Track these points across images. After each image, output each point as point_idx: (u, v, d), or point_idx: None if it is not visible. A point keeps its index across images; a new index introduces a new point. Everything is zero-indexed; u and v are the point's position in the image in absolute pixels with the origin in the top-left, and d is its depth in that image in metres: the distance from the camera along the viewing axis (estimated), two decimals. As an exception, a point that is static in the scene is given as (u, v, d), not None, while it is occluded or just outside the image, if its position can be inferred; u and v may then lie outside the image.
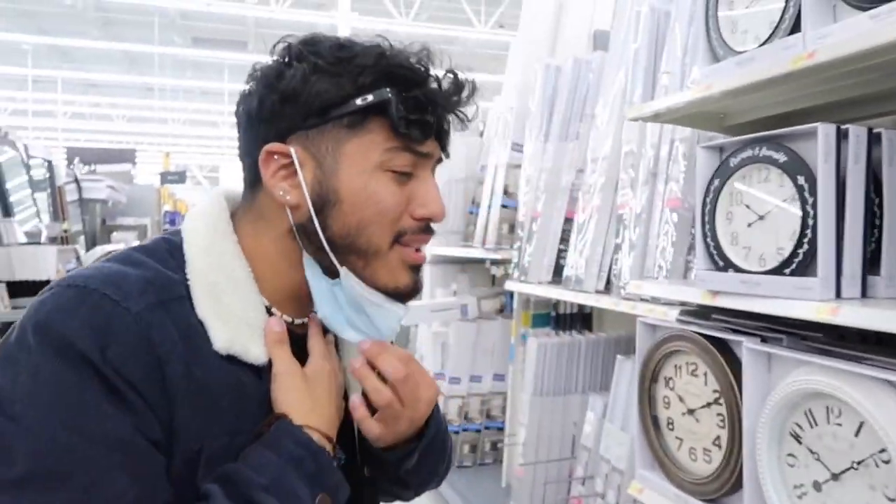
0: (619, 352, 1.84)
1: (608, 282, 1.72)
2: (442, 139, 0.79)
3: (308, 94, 0.72)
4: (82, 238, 4.38)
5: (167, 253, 0.75)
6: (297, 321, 0.81)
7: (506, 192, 2.34)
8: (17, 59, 12.11)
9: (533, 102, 2.19)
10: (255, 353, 0.73)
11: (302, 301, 0.80)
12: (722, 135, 1.39)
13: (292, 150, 0.74)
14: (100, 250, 4.02)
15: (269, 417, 0.73)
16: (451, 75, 0.78)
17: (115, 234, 5.00)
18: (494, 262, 2.46)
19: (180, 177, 7.77)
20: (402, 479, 0.87)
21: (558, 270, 1.98)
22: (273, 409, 0.74)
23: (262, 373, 0.74)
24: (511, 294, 2.46)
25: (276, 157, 0.75)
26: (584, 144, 1.96)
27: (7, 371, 0.63)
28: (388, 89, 0.73)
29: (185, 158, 17.75)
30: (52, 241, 3.50)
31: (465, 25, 10.19)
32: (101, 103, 15.50)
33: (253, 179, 0.78)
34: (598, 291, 1.73)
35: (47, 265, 2.78)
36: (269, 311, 0.78)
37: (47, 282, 2.76)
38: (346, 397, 0.83)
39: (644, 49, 1.67)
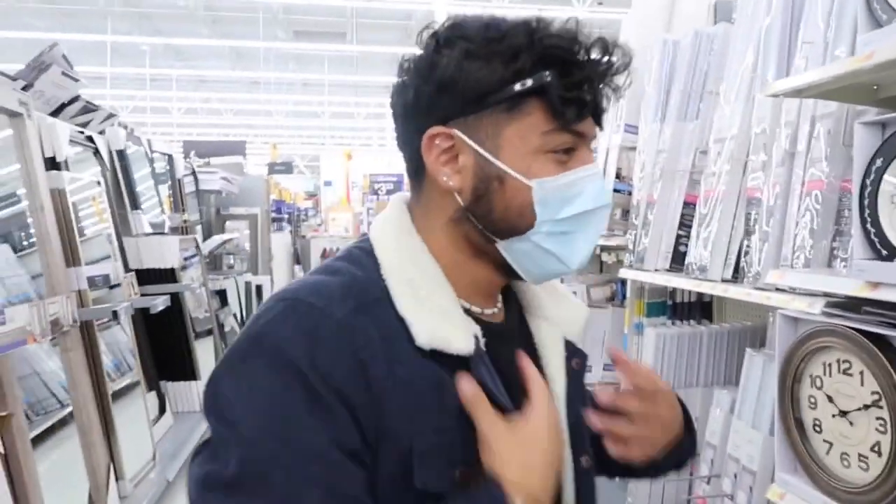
0: (745, 344, 1.74)
1: (736, 270, 1.61)
2: (598, 115, 0.77)
3: (464, 81, 0.72)
4: (199, 227, 4.62)
5: (360, 259, 0.76)
6: (487, 311, 0.81)
7: (618, 176, 2.25)
8: (137, 60, 12.93)
9: (648, 81, 2.08)
10: (458, 344, 0.72)
11: (484, 289, 0.81)
12: (875, 108, 1.26)
13: (455, 133, 0.74)
14: (218, 238, 4.23)
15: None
16: (602, 46, 0.74)
17: (228, 223, 5.26)
18: (605, 249, 2.38)
19: (287, 167, 8.08)
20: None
21: (676, 258, 1.88)
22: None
23: (469, 365, 0.72)
24: (623, 282, 2.37)
25: (437, 141, 0.75)
26: (705, 124, 1.84)
27: (230, 380, 0.68)
28: (546, 73, 0.71)
29: (288, 149, 18.45)
30: (174, 230, 3.71)
31: (563, 5, 9.95)
32: (211, 98, 16.35)
33: (416, 170, 0.79)
34: (724, 280, 1.63)
35: (171, 254, 2.94)
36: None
37: (171, 270, 2.93)
38: (545, 380, 0.80)
39: (778, 20, 1.54)
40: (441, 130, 0.74)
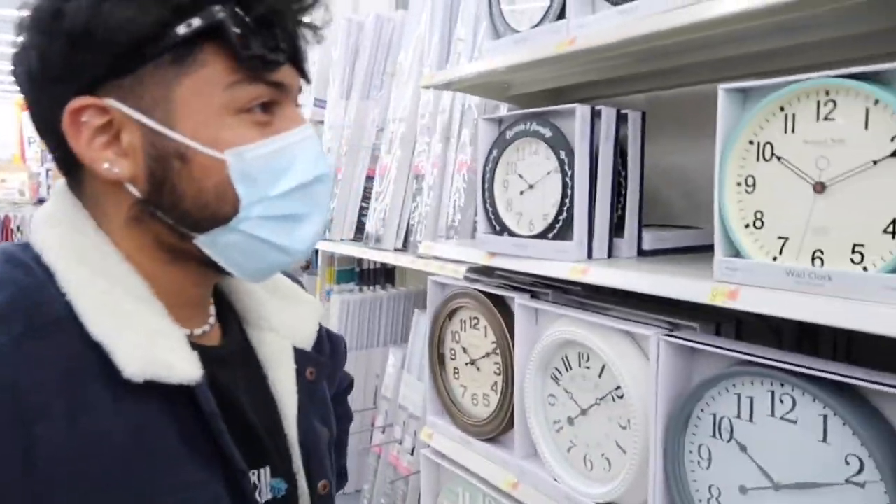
0: (418, 306, 1.94)
1: (406, 240, 1.79)
2: (299, 61, 0.63)
3: (106, 29, 0.55)
4: None
5: (28, 268, 0.57)
6: (197, 330, 0.66)
7: (309, 149, 2.31)
8: None
9: (335, 58, 2.17)
10: (183, 370, 0.57)
11: (191, 301, 0.65)
12: (506, 104, 1.49)
13: (109, 103, 0.57)
14: None
15: None
16: None
17: None
18: (299, 219, 2.44)
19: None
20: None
21: (361, 228, 2.02)
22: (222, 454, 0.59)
23: (195, 395, 0.58)
24: (316, 251, 2.46)
25: (84, 117, 0.57)
26: (385, 103, 1.99)
27: None
28: (217, 7, 0.56)
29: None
30: None
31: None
32: None
33: (64, 159, 0.61)
34: (396, 249, 1.80)
35: None
36: None
37: None
38: (277, 413, 0.70)
39: (440, 13, 1.72)
40: (88, 102, 0.57)
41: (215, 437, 0.59)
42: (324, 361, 0.77)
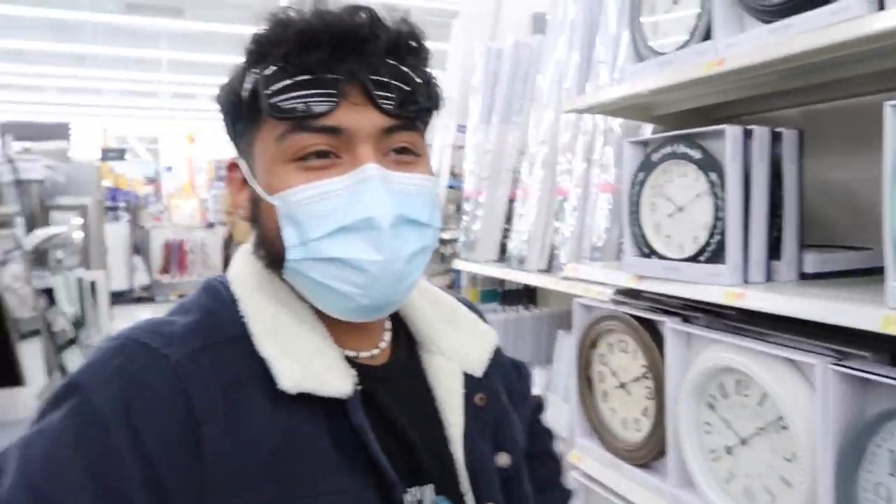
0: (562, 327, 1.95)
1: (549, 261, 1.81)
2: (374, 100, 0.62)
3: (220, 103, 0.67)
4: (20, 220, 4.25)
5: (219, 294, 0.67)
6: (365, 354, 0.71)
7: (452, 173, 2.40)
8: (-64, 28, 11.42)
9: (475, 85, 2.24)
10: (335, 385, 0.62)
11: (357, 329, 0.69)
12: (651, 125, 1.48)
13: (238, 161, 0.68)
14: (42, 233, 3.93)
15: None
16: (348, 15, 0.62)
17: (54, 215, 4.88)
18: (443, 241, 2.54)
19: (120, 153, 7.57)
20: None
21: (504, 249, 2.06)
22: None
23: (346, 408, 0.62)
24: (458, 271, 2.54)
25: (232, 174, 0.70)
26: (524, 127, 2.03)
27: (32, 425, 0.58)
28: (254, 69, 0.62)
29: (123, 130, 17.13)
30: (-11, 225, 3.38)
31: (409, -8, 10.06)
32: (28, 73, 14.77)
33: None
34: (539, 270, 1.82)
35: (-14, 253, 2.72)
36: None
37: (-12, 271, 2.70)
38: (444, 434, 0.71)
39: (578, 37, 1.74)
40: (232, 161, 0.69)
41: (367, 449, 0.62)
42: (497, 389, 0.78)
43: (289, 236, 0.63)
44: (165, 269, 9.41)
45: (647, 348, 1.19)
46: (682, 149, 1.08)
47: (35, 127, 6.59)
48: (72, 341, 4.28)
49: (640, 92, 1.20)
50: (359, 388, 0.64)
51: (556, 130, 1.80)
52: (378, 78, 0.62)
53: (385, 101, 0.63)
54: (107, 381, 0.57)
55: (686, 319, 1.15)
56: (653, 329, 1.20)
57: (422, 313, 0.78)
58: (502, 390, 0.79)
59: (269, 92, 0.61)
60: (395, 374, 0.73)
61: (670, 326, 1.12)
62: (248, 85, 0.62)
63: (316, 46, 0.61)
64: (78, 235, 4.80)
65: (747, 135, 1.01)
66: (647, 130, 1.50)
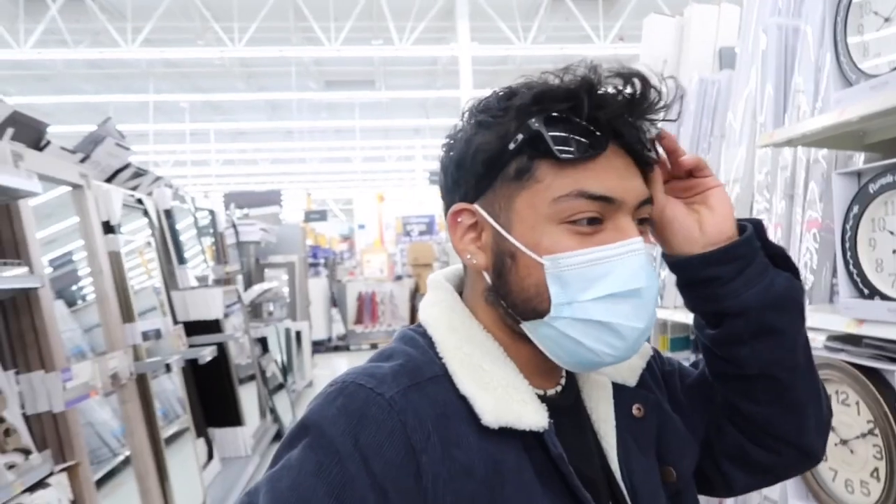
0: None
1: (748, 306, 1.69)
2: (639, 160, 0.67)
3: (472, 153, 0.68)
4: (240, 277, 4.79)
5: (414, 339, 0.72)
6: (550, 392, 0.73)
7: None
8: (177, 116, 13.50)
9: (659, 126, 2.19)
10: (531, 418, 0.66)
11: (539, 368, 0.72)
12: (863, 153, 1.35)
13: (476, 208, 0.70)
14: (258, 288, 4.41)
15: None
16: (624, 80, 0.65)
17: (267, 272, 5.46)
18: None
19: (322, 214, 8.33)
20: (736, 367, 0.74)
21: (695, 294, 1.95)
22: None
23: (543, 441, 0.66)
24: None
25: (459, 219, 0.72)
26: (715, 167, 1.93)
27: (273, 463, 0.65)
28: (533, 121, 0.65)
29: (322, 194, 18.87)
30: (217, 282, 3.87)
31: (585, 42, 10.15)
32: (247, 149, 16.91)
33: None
34: (738, 316, 1.70)
35: (215, 305, 3.11)
36: None
37: (216, 320, 3.08)
38: (602, 454, 0.73)
39: (772, 68, 1.64)
40: (462, 207, 0.71)
41: (565, 478, 0.66)
42: (657, 399, 0.77)
43: (556, 295, 0.66)
44: (359, 320, 10.05)
45: (874, 401, 1.06)
46: (905, 177, 0.98)
47: (252, 196, 7.48)
48: (280, 386, 4.70)
49: (848, 119, 1.10)
50: (551, 421, 0.67)
51: (751, 167, 1.70)
52: (642, 138, 0.67)
53: (645, 161, 0.68)
54: (334, 418, 0.63)
55: (922, 369, 1.01)
56: (879, 379, 1.07)
57: None
58: (664, 398, 0.79)
59: (554, 136, 0.64)
60: (573, 406, 0.75)
61: (902, 376, 0.99)
62: (521, 135, 0.65)
63: (601, 101, 0.65)
64: (286, 290, 5.32)
65: None
66: (860, 160, 1.37)
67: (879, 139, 1.30)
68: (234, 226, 4.58)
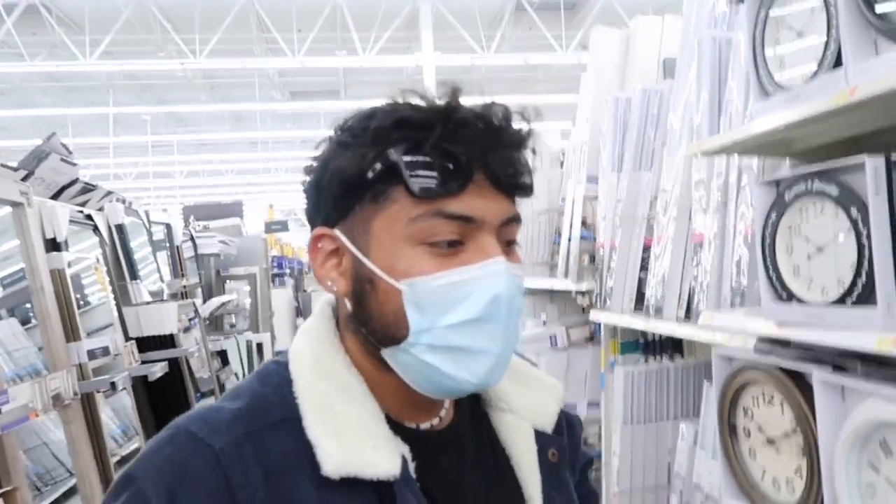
0: (709, 377, 1.83)
1: (689, 308, 1.73)
2: (504, 188, 0.66)
3: (330, 175, 0.67)
4: (199, 290, 4.72)
5: (272, 375, 0.69)
6: (424, 426, 0.71)
7: (584, 224, 2.38)
8: (139, 129, 13.31)
9: (604, 136, 2.23)
10: (377, 468, 0.61)
11: (411, 400, 0.69)
12: (791, 160, 1.39)
13: (335, 233, 0.68)
14: (216, 301, 4.36)
15: None
16: (482, 111, 0.65)
17: (228, 284, 5.40)
18: (579, 293, 2.50)
19: (283, 225, 8.27)
20: None
21: (641, 298, 2.00)
22: None
23: (393, 491, 0.62)
24: (599, 323, 2.48)
25: (320, 244, 0.69)
26: (657, 172, 1.98)
27: None
28: (391, 150, 0.63)
29: (288, 203, 18.72)
30: (173, 296, 3.81)
31: (548, 51, 10.27)
32: (212, 160, 16.72)
33: None
34: (679, 319, 1.74)
35: (169, 320, 3.06)
36: (389, 421, 0.68)
37: (171, 336, 3.04)
38: (521, 496, 0.72)
39: (707, 78, 1.69)
40: (322, 232, 0.68)
41: None
42: (565, 444, 0.78)
43: (415, 321, 0.64)
44: (326, 331, 9.97)
45: (794, 402, 1.10)
46: (817, 185, 1.01)
47: (213, 208, 7.39)
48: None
49: (771, 129, 1.14)
50: (413, 462, 0.65)
51: (689, 173, 1.74)
52: (504, 167, 0.66)
53: (509, 187, 0.67)
54: (158, 472, 0.60)
55: (839, 368, 1.04)
56: (801, 380, 1.11)
57: None
58: (566, 444, 0.79)
59: (413, 173, 0.62)
60: (461, 437, 0.72)
61: (819, 378, 1.02)
62: (379, 164, 0.63)
63: (461, 134, 0.63)
64: (247, 302, 5.26)
65: (892, 165, 0.93)
66: (787, 168, 1.41)
67: (805, 147, 1.34)
68: (192, 239, 4.53)
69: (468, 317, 0.62)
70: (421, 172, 0.63)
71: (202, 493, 0.59)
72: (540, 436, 0.75)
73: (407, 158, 0.63)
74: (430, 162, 0.63)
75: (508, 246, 0.68)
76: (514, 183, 0.67)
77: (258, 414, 0.64)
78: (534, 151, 0.69)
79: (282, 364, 0.69)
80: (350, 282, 0.68)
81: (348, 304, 0.69)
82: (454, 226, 0.64)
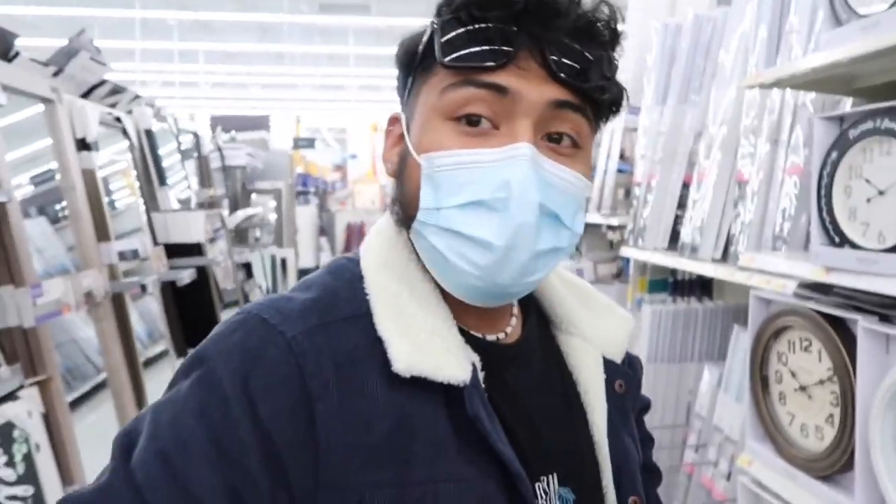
0: (738, 321, 1.81)
1: (726, 250, 1.68)
2: (554, 73, 0.58)
3: (401, 51, 0.65)
4: (226, 202, 4.75)
5: (342, 272, 0.66)
6: (490, 337, 0.67)
7: (622, 157, 2.31)
8: (165, 34, 13.08)
9: (650, 64, 2.13)
10: (448, 371, 0.59)
11: (478, 311, 0.65)
12: (851, 98, 1.32)
13: (400, 115, 0.66)
14: (242, 213, 4.37)
15: None
16: None
17: (254, 197, 5.41)
18: (611, 228, 2.46)
19: (310, 142, 8.21)
20: None
21: (675, 237, 1.95)
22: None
23: (461, 396, 0.59)
24: (628, 259, 2.45)
25: (391, 127, 0.67)
26: (704, 106, 1.90)
27: (164, 394, 0.61)
28: (435, 20, 0.61)
29: (315, 121, 18.57)
30: (201, 206, 3.83)
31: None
32: (237, 72, 16.49)
33: None
34: (714, 260, 1.70)
35: (197, 228, 3.08)
36: (459, 329, 0.64)
37: (198, 244, 3.07)
38: (584, 421, 0.69)
39: (768, 5, 1.58)
40: (394, 115, 0.67)
41: (488, 439, 0.59)
42: (633, 376, 0.75)
43: (425, 198, 0.61)
44: (347, 249, 10.09)
45: (834, 349, 1.07)
46: (885, 124, 0.95)
47: (240, 120, 7.33)
48: (265, 312, 4.72)
49: (838, 60, 1.07)
50: (482, 372, 0.62)
51: (739, 110, 1.66)
52: (558, 49, 0.58)
53: (561, 70, 0.58)
54: (228, 354, 0.58)
55: (885, 318, 1.01)
56: (843, 328, 1.08)
57: (556, 293, 0.73)
58: (634, 377, 0.75)
59: (444, 40, 0.59)
60: (528, 353, 0.69)
61: (864, 326, 0.99)
62: (427, 35, 0.61)
63: (502, 4, 0.58)
64: (272, 217, 5.28)
65: (973, 105, 0.87)
66: (847, 106, 1.34)
67: (868, 84, 1.26)
68: (219, 149, 4.51)
69: (472, 199, 0.58)
70: (454, 41, 0.58)
71: (275, 379, 0.57)
72: (608, 365, 0.71)
73: (442, 26, 0.59)
74: (465, 32, 0.58)
75: (557, 141, 0.61)
76: (568, 69, 0.58)
77: (330, 306, 0.61)
78: (611, 50, 0.61)
79: (353, 261, 0.67)
80: (398, 161, 0.65)
81: (395, 187, 0.66)
82: (486, 98, 0.58)
